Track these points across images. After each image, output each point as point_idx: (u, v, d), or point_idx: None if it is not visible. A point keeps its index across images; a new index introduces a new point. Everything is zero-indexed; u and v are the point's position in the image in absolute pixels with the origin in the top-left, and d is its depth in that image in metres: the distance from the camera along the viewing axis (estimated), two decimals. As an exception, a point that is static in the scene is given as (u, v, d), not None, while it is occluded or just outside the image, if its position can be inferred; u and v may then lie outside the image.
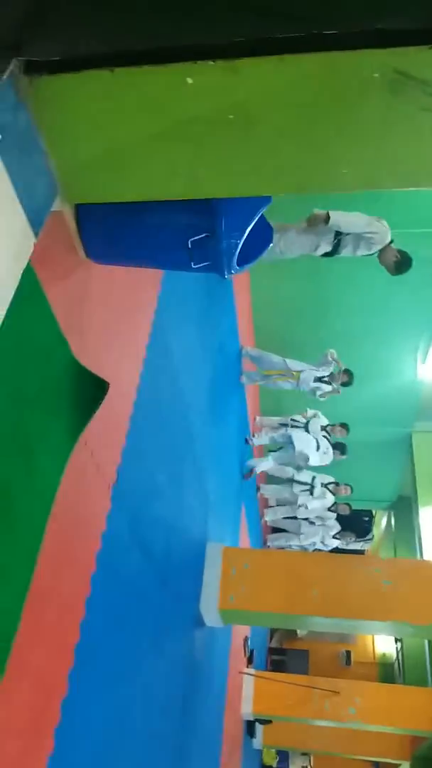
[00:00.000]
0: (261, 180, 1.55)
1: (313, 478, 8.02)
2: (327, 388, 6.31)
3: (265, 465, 7.77)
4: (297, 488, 8.08)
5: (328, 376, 6.25)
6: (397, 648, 11.62)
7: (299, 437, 7.08)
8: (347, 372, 6.28)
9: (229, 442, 5.99)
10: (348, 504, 8.84)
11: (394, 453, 9.75)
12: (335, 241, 4.17)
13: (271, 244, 2.12)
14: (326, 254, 4.31)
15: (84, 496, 2.08)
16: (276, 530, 10.13)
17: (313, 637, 13.26)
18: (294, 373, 6.20)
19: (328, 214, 4.10)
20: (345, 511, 8.71)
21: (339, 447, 7.47)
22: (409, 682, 9.85)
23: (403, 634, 5.09)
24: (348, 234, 4.13)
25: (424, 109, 1.28)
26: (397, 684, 10.40)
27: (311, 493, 8.06)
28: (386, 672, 12.62)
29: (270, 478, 9.08)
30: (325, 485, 8.07)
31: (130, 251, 1.98)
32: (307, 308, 6.52)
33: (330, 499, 8.20)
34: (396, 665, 11.58)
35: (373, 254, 4.21)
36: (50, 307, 1.68)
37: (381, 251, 4.18)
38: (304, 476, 8.06)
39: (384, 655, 13.29)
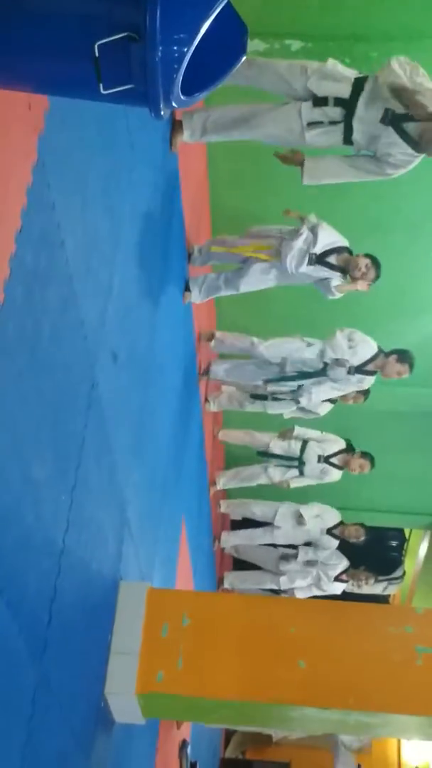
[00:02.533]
0: None
1: (304, 443, 8.25)
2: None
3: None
4: (273, 470, 8.77)
5: (326, 253, 6.28)
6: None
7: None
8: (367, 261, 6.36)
9: (164, 398, 6.01)
10: (361, 525, 9.00)
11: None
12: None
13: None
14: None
15: None
16: (240, 564, 10.22)
17: (299, 740, 13.65)
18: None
19: None
20: (356, 535, 8.88)
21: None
22: None
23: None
24: None
25: None
26: None
27: (300, 471, 8.39)
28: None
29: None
30: (326, 458, 8.26)
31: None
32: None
33: (334, 475, 8.53)
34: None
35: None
36: None
37: None
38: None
39: (416, 769, 13.92)
